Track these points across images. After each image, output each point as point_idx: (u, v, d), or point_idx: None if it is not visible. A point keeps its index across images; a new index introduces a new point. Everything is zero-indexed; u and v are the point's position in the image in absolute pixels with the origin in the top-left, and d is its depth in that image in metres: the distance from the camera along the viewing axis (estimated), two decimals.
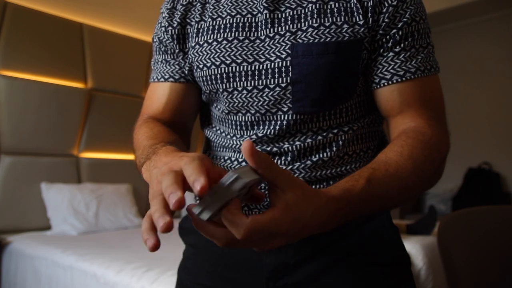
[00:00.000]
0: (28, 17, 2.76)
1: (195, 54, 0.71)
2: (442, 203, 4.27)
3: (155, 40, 0.78)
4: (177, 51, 0.75)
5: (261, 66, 0.65)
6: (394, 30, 0.65)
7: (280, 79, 0.64)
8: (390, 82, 0.66)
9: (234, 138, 0.70)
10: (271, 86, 0.65)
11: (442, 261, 1.32)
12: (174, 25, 0.74)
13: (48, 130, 2.82)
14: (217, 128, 0.76)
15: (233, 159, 0.70)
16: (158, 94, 0.77)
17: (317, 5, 0.65)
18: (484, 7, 3.95)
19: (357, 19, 0.64)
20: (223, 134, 0.73)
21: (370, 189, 0.54)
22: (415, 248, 1.92)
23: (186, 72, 0.75)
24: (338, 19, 0.64)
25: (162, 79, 0.77)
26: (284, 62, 0.64)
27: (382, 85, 0.66)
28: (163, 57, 0.77)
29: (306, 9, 0.65)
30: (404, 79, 0.65)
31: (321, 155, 0.66)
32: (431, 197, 4.39)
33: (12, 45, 2.68)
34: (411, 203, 4.53)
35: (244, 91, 0.66)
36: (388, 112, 0.68)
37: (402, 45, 0.65)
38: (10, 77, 2.66)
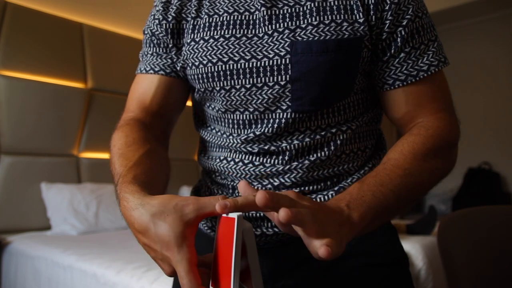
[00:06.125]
0: (28, 17, 2.76)
1: (190, 51, 0.70)
2: (442, 203, 4.27)
3: (146, 32, 0.77)
4: (170, 45, 0.73)
5: (258, 63, 0.64)
6: (400, 28, 0.65)
7: (279, 76, 0.64)
8: (404, 83, 0.66)
9: (231, 137, 0.69)
10: (270, 84, 0.64)
11: (442, 261, 1.32)
12: (169, 19, 0.73)
13: (48, 130, 2.81)
14: (212, 127, 0.75)
15: (229, 159, 0.70)
16: (146, 85, 0.75)
17: (316, 3, 0.64)
18: (484, 7, 3.95)
19: (357, 17, 0.63)
20: (219, 133, 0.72)
21: (365, 184, 0.57)
22: (415, 248, 1.92)
23: (178, 68, 0.73)
24: (338, 17, 0.63)
25: (152, 71, 0.75)
26: (283, 60, 0.63)
27: (397, 86, 0.66)
28: (154, 50, 0.75)
29: (305, 7, 0.65)
30: (417, 78, 0.65)
31: (319, 155, 0.66)
32: (431, 197, 4.39)
33: (12, 45, 2.68)
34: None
35: (243, 89, 0.66)
36: (397, 113, 0.69)
37: (411, 43, 0.65)
38: (10, 77, 2.66)
